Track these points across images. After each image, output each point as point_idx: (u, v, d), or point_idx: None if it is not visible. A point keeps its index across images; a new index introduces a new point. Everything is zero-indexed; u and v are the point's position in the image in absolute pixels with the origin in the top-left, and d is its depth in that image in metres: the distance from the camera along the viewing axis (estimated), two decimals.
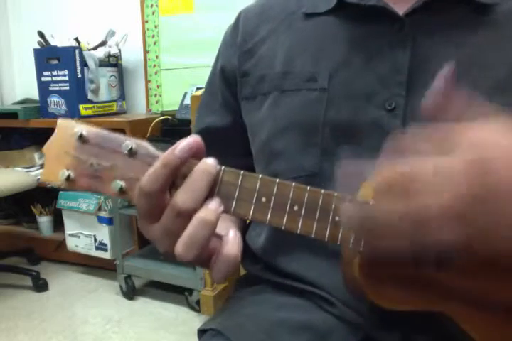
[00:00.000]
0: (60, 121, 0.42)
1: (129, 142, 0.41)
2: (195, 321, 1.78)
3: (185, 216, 0.39)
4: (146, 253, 2.01)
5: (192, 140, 0.39)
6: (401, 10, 0.53)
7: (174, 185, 0.40)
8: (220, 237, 0.41)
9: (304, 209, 0.41)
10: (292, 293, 0.57)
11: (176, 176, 0.39)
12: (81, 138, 0.41)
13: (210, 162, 0.40)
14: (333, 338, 0.52)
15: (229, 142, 0.66)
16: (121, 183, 0.40)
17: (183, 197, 0.39)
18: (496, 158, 0.33)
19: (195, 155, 0.40)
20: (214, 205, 0.39)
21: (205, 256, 0.40)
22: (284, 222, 0.41)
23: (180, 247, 0.39)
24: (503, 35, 0.52)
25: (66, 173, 0.41)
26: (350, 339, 0.52)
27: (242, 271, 0.68)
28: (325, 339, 0.52)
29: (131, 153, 0.41)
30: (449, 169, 0.33)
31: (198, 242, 0.38)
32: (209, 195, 0.40)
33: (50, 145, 0.42)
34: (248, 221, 0.67)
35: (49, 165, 0.42)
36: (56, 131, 0.42)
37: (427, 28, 0.53)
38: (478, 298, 0.41)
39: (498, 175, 0.32)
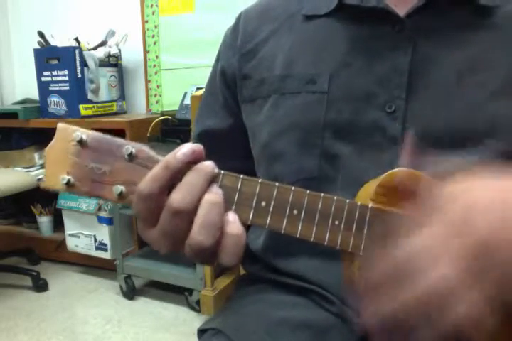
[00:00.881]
0: (59, 126, 0.42)
1: (129, 146, 0.40)
2: (195, 321, 1.78)
3: (182, 216, 0.39)
4: (146, 253, 2.01)
5: (194, 145, 0.40)
6: (402, 11, 0.53)
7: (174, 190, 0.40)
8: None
9: (303, 213, 0.41)
10: (292, 291, 0.57)
11: (175, 180, 0.39)
12: (81, 142, 0.41)
13: (207, 163, 0.40)
14: (332, 336, 0.53)
15: (229, 144, 0.66)
16: (121, 188, 0.40)
17: (178, 196, 0.39)
18: (482, 216, 0.33)
19: (196, 161, 0.40)
20: (216, 188, 0.40)
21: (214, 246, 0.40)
22: (284, 226, 0.41)
23: (198, 233, 0.39)
24: (503, 37, 0.51)
25: (66, 178, 0.41)
26: (349, 337, 0.52)
27: (242, 271, 0.68)
28: (324, 337, 0.53)
29: (132, 157, 0.41)
30: (435, 244, 0.34)
31: (214, 224, 0.39)
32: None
33: (51, 150, 0.42)
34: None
35: (50, 170, 0.42)
36: (56, 135, 0.42)
37: (428, 30, 0.53)
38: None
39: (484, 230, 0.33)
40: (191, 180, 0.39)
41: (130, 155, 0.40)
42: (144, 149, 0.41)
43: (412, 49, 0.52)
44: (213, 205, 0.39)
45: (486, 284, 0.32)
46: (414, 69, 0.52)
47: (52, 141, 0.42)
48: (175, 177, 0.39)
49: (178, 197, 0.39)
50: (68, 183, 0.41)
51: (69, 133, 0.41)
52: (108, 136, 0.41)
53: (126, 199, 0.41)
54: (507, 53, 0.51)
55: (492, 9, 0.52)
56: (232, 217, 0.40)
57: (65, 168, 0.41)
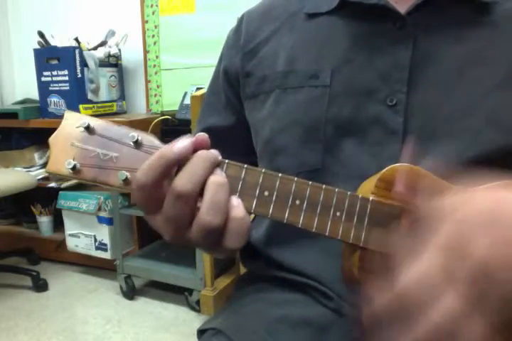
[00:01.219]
0: (67, 113, 0.42)
1: (135, 133, 0.41)
2: (195, 321, 1.78)
3: (185, 200, 0.39)
4: (146, 253, 2.01)
5: (197, 138, 0.40)
6: (402, 8, 0.54)
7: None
8: None
9: (305, 203, 0.42)
10: (291, 288, 0.58)
11: (173, 169, 0.40)
12: (87, 129, 0.41)
13: (212, 151, 0.41)
14: (331, 333, 0.53)
15: (231, 141, 0.67)
16: (126, 174, 0.41)
17: (182, 180, 0.39)
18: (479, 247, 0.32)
19: (201, 148, 0.40)
20: (220, 171, 0.41)
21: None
22: (286, 216, 0.41)
23: (206, 213, 0.39)
24: (502, 34, 0.52)
25: (72, 163, 0.41)
26: (348, 333, 0.52)
27: (242, 271, 0.68)
28: (324, 334, 0.53)
29: (137, 144, 0.41)
30: (432, 276, 0.33)
31: (220, 204, 0.39)
32: None
33: (56, 136, 0.42)
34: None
35: (55, 156, 0.42)
36: (62, 122, 0.42)
37: (428, 26, 0.53)
38: None
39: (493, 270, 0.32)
40: (195, 165, 0.40)
41: (136, 142, 0.41)
42: (150, 137, 0.41)
43: (413, 45, 0.53)
44: (220, 186, 0.40)
45: (487, 308, 0.32)
46: (414, 64, 0.52)
47: (59, 128, 0.42)
48: (171, 166, 0.39)
49: (182, 182, 0.39)
50: (74, 168, 0.41)
51: (76, 119, 0.42)
52: (114, 124, 0.42)
53: (129, 186, 0.41)
54: (506, 49, 0.52)
55: (491, 6, 0.53)
56: (235, 201, 0.41)
57: (70, 154, 0.41)
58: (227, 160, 0.41)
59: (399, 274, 0.34)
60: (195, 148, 0.41)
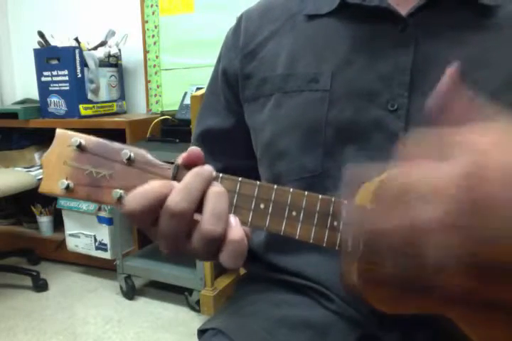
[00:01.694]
0: (58, 131, 0.42)
1: (127, 150, 0.41)
2: (195, 321, 1.78)
3: (179, 218, 0.39)
4: (146, 253, 2.01)
5: (189, 153, 0.41)
6: (404, 10, 0.53)
7: None
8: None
9: (302, 214, 0.41)
10: (291, 289, 0.57)
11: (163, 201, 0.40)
12: (79, 147, 0.41)
13: (205, 167, 0.40)
14: (332, 334, 0.53)
15: (231, 144, 0.66)
16: (120, 192, 0.40)
17: (175, 198, 0.39)
18: (492, 169, 0.33)
19: (195, 164, 0.40)
20: (216, 182, 0.41)
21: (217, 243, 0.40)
22: (283, 228, 0.41)
23: (207, 222, 0.39)
24: (504, 36, 0.52)
25: (65, 183, 0.41)
26: (349, 335, 0.52)
27: (242, 271, 0.68)
28: (325, 335, 0.53)
29: (130, 161, 0.41)
30: (444, 181, 0.34)
31: (222, 213, 0.39)
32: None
33: (49, 155, 0.42)
34: None
35: (48, 175, 0.42)
36: (54, 141, 0.42)
37: (430, 29, 0.53)
38: (480, 300, 0.41)
39: (492, 188, 0.32)
40: (189, 183, 0.39)
41: (129, 159, 0.41)
42: (142, 153, 0.41)
43: (414, 48, 0.52)
44: (220, 195, 0.40)
45: (468, 237, 0.33)
46: (416, 67, 0.52)
47: (51, 147, 0.42)
48: (162, 199, 0.39)
49: (176, 200, 0.39)
50: (68, 188, 0.41)
51: (67, 138, 0.41)
52: (106, 141, 0.42)
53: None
54: (508, 52, 0.51)
55: (493, 9, 0.52)
56: (233, 221, 0.41)
57: (63, 173, 0.41)
58: (221, 174, 0.41)
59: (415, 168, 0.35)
60: (189, 163, 0.41)
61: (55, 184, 0.41)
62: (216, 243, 0.40)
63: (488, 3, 0.52)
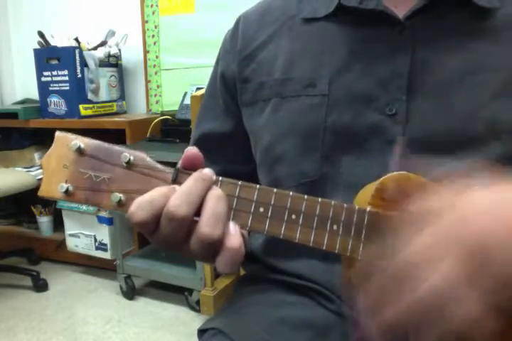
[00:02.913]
0: (57, 134, 0.42)
1: (127, 154, 0.41)
2: (195, 321, 1.78)
3: (179, 222, 0.39)
4: (146, 253, 2.01)
5: (186, 154, 0.41)
6: (400, 13, 0.53)
7: None
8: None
9: (301, 217, 0.41)
10: (291, 290, 0.57)
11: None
12: (79, 150, 0.41)
13: (204, 170, 0.41)
14: (333, 334, 0.53)
15: (230, 147, 0.66)
16: (120, 195, 0.40)
17: (175, 202, 0.39)
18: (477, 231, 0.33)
19: (195, 167, 0.40)
20: (216, 186, 0.41)
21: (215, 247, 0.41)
22: (283, 231, 0.41)
23: (206, 225, 0.39)
24: (503, 39, 0.51)
25: (65, 186, 0.41)
26: (349, 335, 0.52)
27: (242, 271, 0.68)
28: (325, 335, 0.53)
29: (129, 164, 0.41)
30: (435, 251, 0.34)
31: (221, 216, 0.40)
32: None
33: (48, 159, 0.42)
34: None
35: (47, 179, 0.41)
36: (54, 144, 0.42)
37: (427, 32, 0.52)
38: None
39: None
40: (190, 187, 0.40)
41: (128, 162, 0.41)
42: (142, 156, 0.41)
43: (412, 51, 0.52)
44: (219, 198, 0.40)
45: (483, 285, 0.32)
46: (413, 71, 0.52)
47: (50, 150, 0.42)
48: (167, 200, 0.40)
49: (176, 204, 0.39)
50: (67, 192, 0.41)
51: (67, 141, 0.41)
52: (106, 144, 0.41)
53: (124, 207, 0.41)
54: (506, 55, 0.51)
55: (490, 11, 0.52)
56: (232, 228, 0.41)
57: (63, 176, 0.41)
58: (220, 178, 0.41)
59: (399, 245, 0.35)
60: (187, 165, 0.41)
61: (54, 187, 0.41)
62: (214, 246, 0.40)
63: (485, 5, 0.52)
